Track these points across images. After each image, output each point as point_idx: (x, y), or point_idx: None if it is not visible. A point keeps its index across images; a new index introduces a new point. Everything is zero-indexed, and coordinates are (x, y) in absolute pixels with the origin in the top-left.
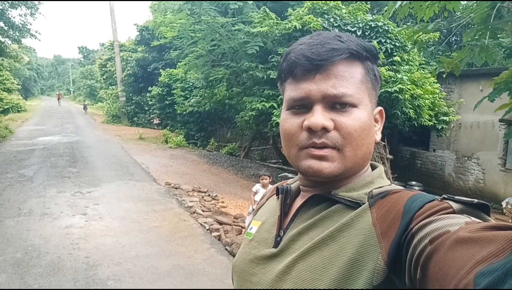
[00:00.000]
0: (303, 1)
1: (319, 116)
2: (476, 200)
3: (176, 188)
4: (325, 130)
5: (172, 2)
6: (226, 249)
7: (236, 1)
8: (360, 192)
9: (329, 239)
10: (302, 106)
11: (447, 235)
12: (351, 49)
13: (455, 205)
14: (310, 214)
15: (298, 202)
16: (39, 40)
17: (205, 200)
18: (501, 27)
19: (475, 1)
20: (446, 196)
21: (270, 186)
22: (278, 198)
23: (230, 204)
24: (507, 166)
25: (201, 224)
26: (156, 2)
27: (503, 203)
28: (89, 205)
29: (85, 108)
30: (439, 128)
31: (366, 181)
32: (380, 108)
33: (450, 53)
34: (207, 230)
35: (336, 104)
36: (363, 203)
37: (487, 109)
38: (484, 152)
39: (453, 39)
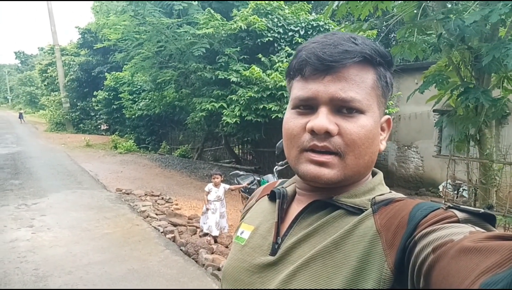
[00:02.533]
0: (247, 2)
1: (323, 119)
2: (482, 210)
3: (127, 194)
4: (328, 134)
5: (114, 3)
6: (181, 250)
7: (180, 2)
8: (363, 198)
9: (332, 247)
10: (308, 106)
11: (451, 244)
12: (365, 53)
13: (460, 214)
14: (310, 220)
15: (295, 207)
16: None
17: (158, 203)
18: (427, 25)
19: (404, 1)
20: (451, 205)
21: (223, 184)
22: (270, 200)
23: (184, 206)
24: (442, 153)
25: (155, 228)
26: (98, 3)
27: (440, 187)
28: (36, 217)
29: (20, 116)
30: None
31: (368, 188)
32: (388, 116)
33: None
34: (161, 232)
35: (343, 108)
36: (366, 209)
37: (422, 101)
38: (422, 141)
39: (391, 36)
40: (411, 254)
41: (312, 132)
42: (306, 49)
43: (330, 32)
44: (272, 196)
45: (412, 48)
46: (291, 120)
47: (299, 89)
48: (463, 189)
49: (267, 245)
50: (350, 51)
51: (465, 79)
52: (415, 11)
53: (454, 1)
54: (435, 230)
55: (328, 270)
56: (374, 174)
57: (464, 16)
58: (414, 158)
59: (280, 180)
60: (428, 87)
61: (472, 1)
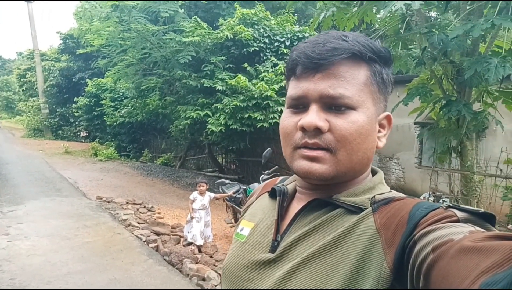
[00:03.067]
0: (233, 12)
1: (313, 116)
2: (482, 210)
3: (108, 202)
4: (318, 130)
5: (98, 9)
6: (164, 259)
7: (167, 9)
8: (362, 197)
9: (331, 245)
10: (300, 105)
11: (450, 244)
12: (353, 49)
13: (459, 214)
14: (310, 218)
15: (295, 205)
16: None
17: (140, 212)
18: (410, 38)
19: (389, 14)
20: (451, 205)
21: (208, 193)
22: (271, 197)
23: (167, 215)
24: (423, 164)
25: (137, 237)
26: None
27: (421, 198)
28: (12, 225)
29: None
30: None
31: (368, 187)
32: (387, 113)
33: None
34: (144, 242)
35: (333, 105)
36: (366, 208)
37: (404, 113)
38: (403, 153)
39: None
40: (411, 253)
41: (303, 129)
42: (298, 49)
43: (324, 32)
44: (273, 194)
45: (397, 61)
46: (285, 119)
47: (292, 88)
48: (443, 201)
49: (266, 243)
50: (338, 48)
51: (447, 92)
52: (399, 25)
53: (437, 16)
54: (435, 230)
55: (327, 268)
56: (374, 173)
57: (447, 30)
58: (395, 169)
59: (281, 178)
60: (412, 100)
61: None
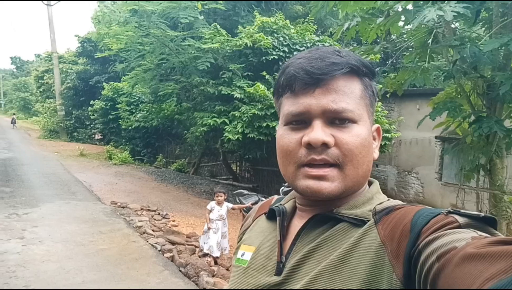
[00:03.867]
0: (252, 20)
1: (319, 132)
2: (482, 214)
3: (123, 207)
4: (325, 146)
5: (117, 14)
6: (180, 271)
7: (187, 15)
8: (363, 209)
9: (338, 262)
10: (301, 121)
11: (454, 252)
12: (351, 64)
13: (461, 219)
14: (313, 235)
15: (296, 223)
16: None
17: (155, 219)
18: (437, 51)
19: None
20: (452, 210)
21: (226, 203)
22: (269, 219)
23: (182, 223)
24: (443, 180)
25: (152, 245)
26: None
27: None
28: (27, 228)
29: (13, 121)
30: (382, 144)
31: (367, 198)
32: (377, 125)
33: (396, 74)
34: (159, 251)
35: (336, 119)
36: (368, 220)
37: (424, 127)
38: (423, 167)
39: (389, 61)
40: (417, 263)
41: (309, 145)
42: (294, 65)
43: (314, 48)
44: (271, 215)
45: (425, 73)
46: (285, 137)
47: (290, 105)
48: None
49: (271, 265)
50: (337, 63)
51: (476, 108)
52: (425, 38)
53: (463, 29)
54: (438, 237)
55: (336, 286)
56: (370, 183)
57: (480, 43)
58: (414, 183)
59: (275, 197)
60: (439, 114)
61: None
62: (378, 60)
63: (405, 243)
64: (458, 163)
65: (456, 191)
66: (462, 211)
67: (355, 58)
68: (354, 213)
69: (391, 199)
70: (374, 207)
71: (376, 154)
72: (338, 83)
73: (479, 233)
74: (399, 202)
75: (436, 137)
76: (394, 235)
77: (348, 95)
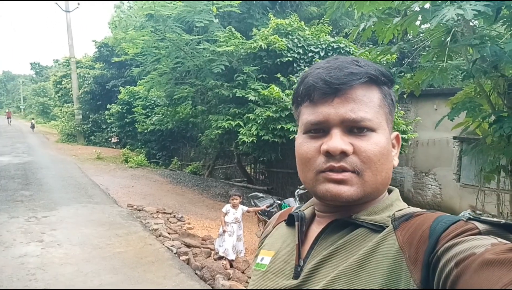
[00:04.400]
0: (267, 22)
1: (337, 140)
2: (503, 221)
3: (139, 210)
4: (344, 154)
5: (134, 19)
6: (196, 274)
7: (201, 20)
8: (382, 215)
9: (355, 266)
10: (320, 130)
11: (473, 258)
12: (370, 73)
13: (481, 226)
14: (331, 240)
15: (315, 229)
16: None
17: (170, 222)
18: (456, 51)
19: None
20: (472, 217)
21: (241, 206)
22: (288, 225)
23: (197, 225)
24: (461, 181)
25: (168, 248)
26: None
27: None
28: (46, 231)
29: (32, 126)
30: None
31: (386, 204)
32: (396, 133)
33: (413, 74)
34: (175, 254)
35: (354, 128)
36: (387, 226)
37: (441, 127)
38: (440, 168)
39: (406, 61)
40: (435, 269)
41: (327, 153)
42: (312, 75)
43: (332, 57)
44: (290, 221)
45: (443, 73)
46: (304, 145)
47: (309, 114)
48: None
49: (289, 269)
50: (355, 72)
51: (496, 107)
52: (442, 37)
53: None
54: (457, 244)
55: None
56: (389, 191)
57: (501, 42)
58: (431, 185)
59: (296, 205)
60: (458, 114)
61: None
62: (394, 60)
63: (424, 248)
64: (478, 164)
65: (475, 193)
66: (482, 217)
67: (373, 68)
68: (373, 219)
69: (411, 207)
70: (393, 213)
71: (395, 161)
72: (357, 93)
73: (499, 239)
74: (418, 209)
75: (454, 138)
76: (412, 241)
77: (366, 104)
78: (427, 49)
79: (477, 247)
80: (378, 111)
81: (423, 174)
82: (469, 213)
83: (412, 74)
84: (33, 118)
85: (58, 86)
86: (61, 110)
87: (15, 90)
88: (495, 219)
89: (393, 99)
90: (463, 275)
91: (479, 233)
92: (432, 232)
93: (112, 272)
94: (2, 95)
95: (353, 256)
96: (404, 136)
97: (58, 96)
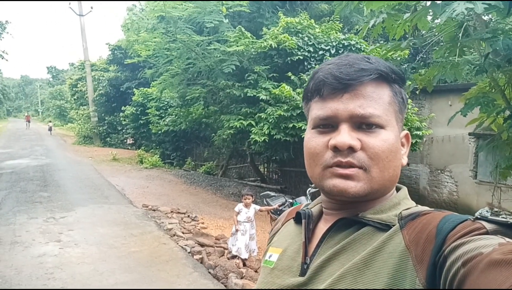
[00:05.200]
0: (277, 21)
1: (345, 135)
2: (511, 221)
3: (154, 210)
4: (351, 149)
5: (146, 21)
6: (209, 272)
7: (211, 20)
8: (389, 214)
9: (362, 265)
10: (328, 125)
11: (480, 258)
12: (380, 70)
13: (488, 226)
14: (337, 238)
15: (322, 226)
16: (6, 60)
17: (184, 221)
18: (468, 45)
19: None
20: (479, 216)
21: (253, 205)
22: (296, 223)
23: (211, 225)
24: (478, 178)
25: (182, 247)
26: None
27: (476, 214)
28: (63, 231)
29: (50, 129)
30: (413, 142)
31: (393, 203)
32: (406, 131)
33: (425, 70)
34: (189, 253)
35: (363, 124)
36: (393, 225)
37: (456, 123)
38: (456, 165)
39: (418, 56)
40: (442, 269)
41: (335, 148)
42: (323, 70)
43: (343, 54)
44: (298, 219)
45: (455, 68)
46: (312, 140)
47: (318, 109)
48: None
49: (296, 266)
50: (366, 69)
51: (511, 102)
52: (455, 32)
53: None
54: (464, 243)
55: (359, 288)
56: (397, 189)
57: None
58: (447, 182)
59: (304, 203)
60: (471, 110)
61: None
62: (406, 56)
63: (430, 248)
64: (494, 160)
65: (492, 190)
66: (490, 217)
67: (384, 65)
68: (380, 218)
69: (419, 205)
70: (400, 212)
71: (404, 160)
72: (367, 89)
73: (507, 239)
74: (426, 208)
75: (469, 134)
76: (419, 240)
77: (376, 100)
78: (440, 44)
79: (484, 246)
80: (388, 108)
81: (439, 171)
82: (486, 211)
83: (425, 69)
84: (50, 121)
85: (74, 89)
86: (77, 112)
87: (33, 94)
88: (502, 219)
89: (404, 98)
90: (470, 275)
91: (487, 233)
92: (439, 231)
93: (127, 271)
94: (21, 99)
95: (359, 255)
96: (418, 133)
97: (74, 99)
